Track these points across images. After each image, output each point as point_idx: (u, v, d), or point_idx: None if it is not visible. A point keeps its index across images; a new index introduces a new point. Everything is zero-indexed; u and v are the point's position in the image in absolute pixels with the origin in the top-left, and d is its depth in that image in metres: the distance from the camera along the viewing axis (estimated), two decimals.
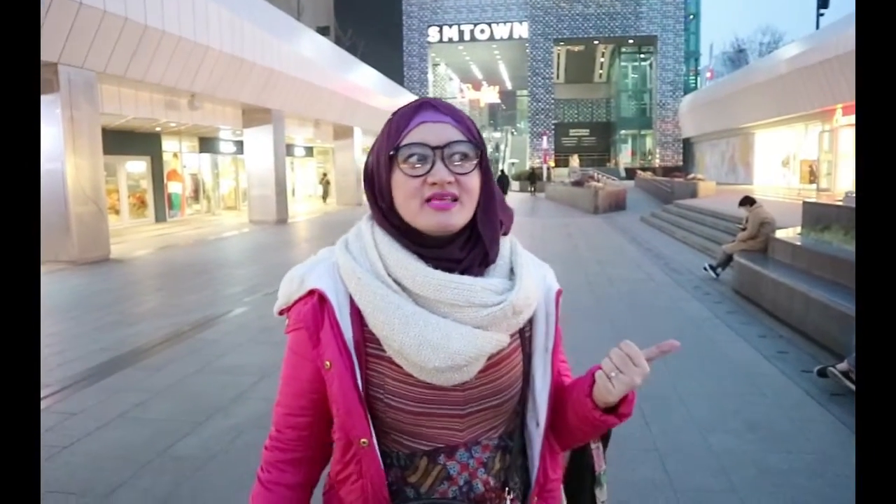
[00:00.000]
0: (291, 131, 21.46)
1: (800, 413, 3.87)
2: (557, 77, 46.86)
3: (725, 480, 3.04)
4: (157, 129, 17.96)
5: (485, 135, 35.03)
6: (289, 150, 23.55)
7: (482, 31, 43.19)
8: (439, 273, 0.90)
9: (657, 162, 41.49)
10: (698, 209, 15.28)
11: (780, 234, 8.12)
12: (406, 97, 32.12)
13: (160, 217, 19.52)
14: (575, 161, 38.34)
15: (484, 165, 0.95)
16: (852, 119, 18.76)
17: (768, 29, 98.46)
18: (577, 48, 46.49)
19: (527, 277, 0.97)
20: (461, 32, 43.50)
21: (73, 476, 3.17)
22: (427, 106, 0.95)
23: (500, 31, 42.98)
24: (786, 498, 2.88)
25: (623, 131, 46.54)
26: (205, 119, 16.89)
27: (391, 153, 0.93)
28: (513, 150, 50.86)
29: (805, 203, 8.48)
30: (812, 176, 22.76)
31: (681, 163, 40.60)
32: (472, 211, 0.94)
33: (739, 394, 4.22)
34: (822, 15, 28.23)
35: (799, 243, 7.15)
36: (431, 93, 43.27)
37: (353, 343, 0.92)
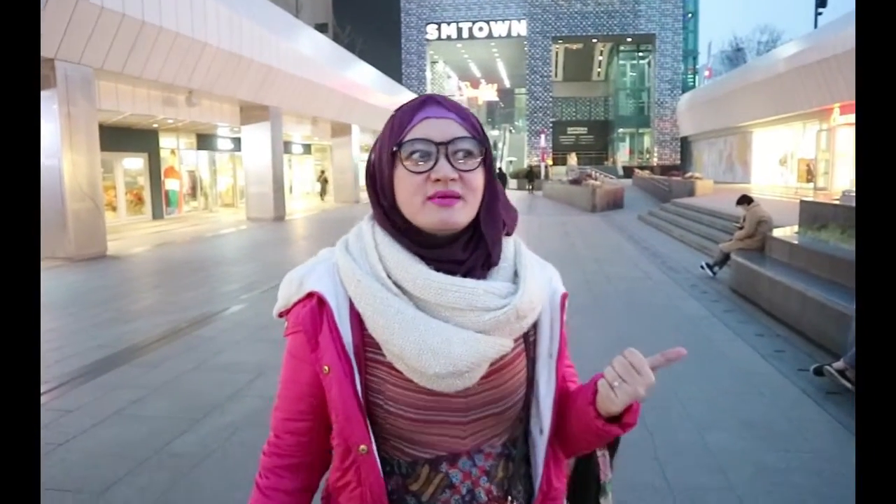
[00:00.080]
0: (289, 128, 21.42)
1: (796, 412, 3.88)
2: (556, 75, 46.82)
3: (722, 479, 3.04)
4: (155, 125, 17.92)
5: None
6: (286, 147, 23.50)
7: (480, 29, 43.14)
8: (441, 276, 0.88)
9: (655, 160, 41.52)
10: (696, 208, 15.29)
11: (777, 232, 8.13)
12: (404, 95, 32.08)
13: (157, 214, 19.48)
14: (573, 159, 38.30)
15: (488, 163, 0.93)
16: (850, 118, 18.79)
17: (766, 28, 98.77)
18: (575, 46, 46.47)
19: (531, 280, 0.94)
20: (459, 30, 43.45)
21: (69, 473, 3.16)
22: (431, 102, 0.93)
23: (499, 28, 42.93)
24: (783, 496, 2.88)
25: (621, 130, 46.55)
26: (202, 116, 16.85)
27: (394, 149, 0.91)
28: (511, 148, 50.85)
29: (802, 202, 8.49)
30: (809, 175, 22.78)
31: (678, 161, 40.62)
32: (476, 209, 0.92)
33: (736, 392, 4.22)
34: (820, 14, 28.24)
35: (796, 242, 7.16)
36: (430, 90, 43.16)
37: (352, 347, 0.90)
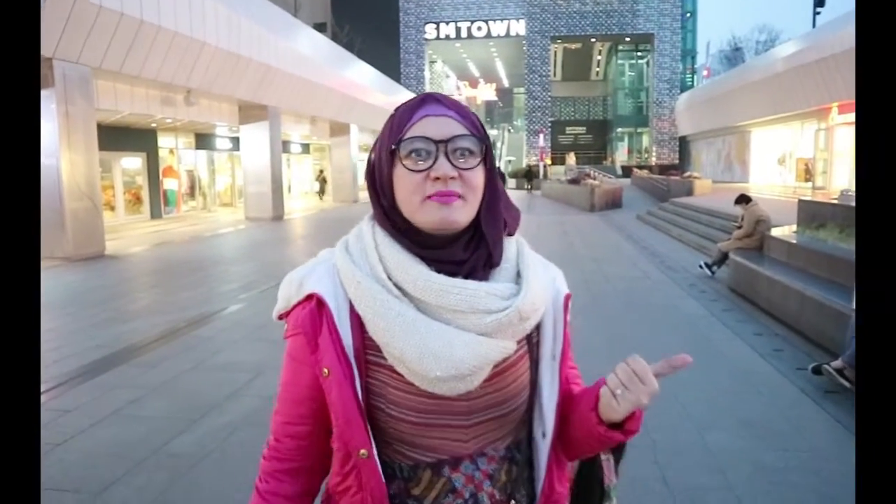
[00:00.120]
0: (288, 128, 21.40)
1: (795, 411, 3.88)
2: (554, 75, 46.82)
3: (721, 478, 3.04)
4: (153, 125, 17.89)
5: None
6: (285, 146, 23.49)
7: (479, 29, 43.12)
8: (442, 277, 0.87)
9: (653, 160, 41.53)
10: (694, 207, 15.31)
11: (775, 232, 8.14)
12: (403, 94, 32.05)
13: (156, 213, 19.45)
14: (571, 159, 38.30)
15: (489, 162, 0.92)
16: (848, 117, 18.80)
17: (765, 27, 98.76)
18: (574, 46, 46.46)
19: (534, 281, 0.92)
20: (458, 29, 43.42)
21: (68, 473, 3.16)
22: (431, 100, 0.92)
23: (498, 28, 42.91)
24: (781, 495, 2.89)
25: (619, 129, 46.55)
26: (201, 115, 16.83)
27: (393, 147, 0.89)
28: (509, 148, 50.81)
29: (801, 201, 8.51)
30: (808, 174, 22.79)
31: (677, 161, 40.64)
32: (476, 209, 0.90)
33: (735, 391, 4.23)
34: (818, 13, 28.28)
35: (794, 241, 7.18)
36: (428, 90, 43.11)
37: (352, 350, 0.89)
